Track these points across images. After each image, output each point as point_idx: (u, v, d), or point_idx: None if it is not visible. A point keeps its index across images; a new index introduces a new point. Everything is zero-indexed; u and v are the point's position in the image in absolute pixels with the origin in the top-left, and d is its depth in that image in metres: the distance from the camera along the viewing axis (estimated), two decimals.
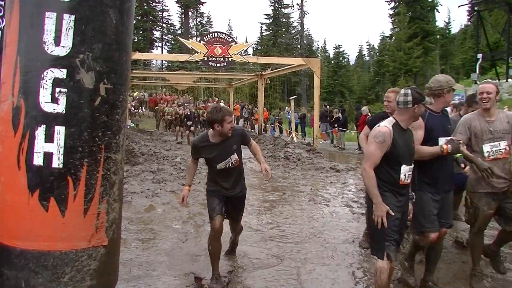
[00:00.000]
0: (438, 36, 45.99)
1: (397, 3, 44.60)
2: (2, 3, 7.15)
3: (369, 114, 15.97)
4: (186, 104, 22.89)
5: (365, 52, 72.56)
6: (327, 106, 24.46)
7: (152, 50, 52.48)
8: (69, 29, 2.30)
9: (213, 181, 4.02)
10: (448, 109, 11.96)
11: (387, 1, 46.43)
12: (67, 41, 2.30)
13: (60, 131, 2.30)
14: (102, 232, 2.50)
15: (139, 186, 7.81)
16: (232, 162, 3.83)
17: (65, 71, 2.30)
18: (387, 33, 51.01)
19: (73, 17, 2.31)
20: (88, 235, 2.43)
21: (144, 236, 5.04)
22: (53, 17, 2.28)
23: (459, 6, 54.19)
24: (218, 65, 15.57)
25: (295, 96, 23.97)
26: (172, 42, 55.11)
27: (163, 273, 3.95)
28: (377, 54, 58.05)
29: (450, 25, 54.33)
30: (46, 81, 2.28)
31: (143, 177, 8.68)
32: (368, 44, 73.30)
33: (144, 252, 4.49)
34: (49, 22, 2.28)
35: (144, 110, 29.74)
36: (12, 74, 2.33)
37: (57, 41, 2.28)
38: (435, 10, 44.73)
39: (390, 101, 4.57)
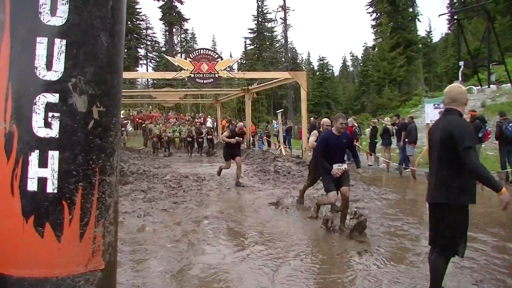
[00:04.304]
0: (420, 45, 46.86)
1: (379, 14, 45.39)
2: None
3: (355, 125, 16.11)
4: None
5: (349, 63, 73.62)
6: (316, 118, 24.61)
7: (137, 68, 52.51)
8: (60, 53, 2.30)
9: None
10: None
11: (369, 12, 47.26)
12: (59, 65, 2.29)
13: (54, 156, 2.29)
14: (99, 255, 2.48)
15: (131, 205, 7.76)
16: None
17: (57, 95, 2.29)
18: (370, 43, 51.94)
19: (64, 41, 2.31)
20: (85, 259, 2.40)
21: (139, 257, 4.99)
22: (45, 42, 2.28)
23: (439, 15, 55.62)
24: (205, 81, 15.65)
25: (282, 110, 24.06)
26: (157, 59, 55.26)
27: None
28: (361, 64, 58.96)
29: (431, 34, 55.48)
30: (38, 106, 2.27)
31: (134, 197, 8.63)
32: (351, 55, 74.19)
33: (140, 273, 4.44)
34: (41, 47, 2.28)
35: (130, 129, 29.54)
36: (4, 99, 2.31)
37: (49, 66, 2.28)
38: (416, 20, 45.63)
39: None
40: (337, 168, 5.99)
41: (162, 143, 21.18)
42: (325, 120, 8.10)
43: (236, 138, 10.55)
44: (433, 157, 3.55)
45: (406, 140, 12.36)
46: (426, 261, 4.60)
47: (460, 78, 26.70)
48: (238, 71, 42.42)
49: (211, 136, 22.17)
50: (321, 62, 59.75)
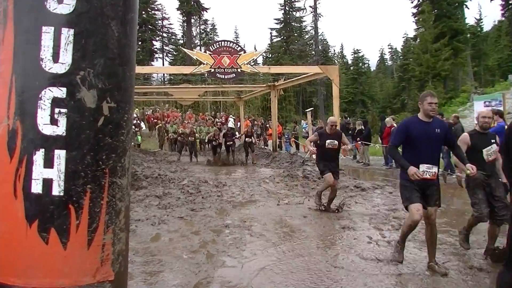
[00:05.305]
0: (468, 35, 45.67)
1: (421, 0, 44.65)
2: None
3: (394, 125, 15.88)
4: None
5: (387, 56, 72.72)
6: (348, 117, 24.41)
7: (152, 63, 53.15)
8: (68, 44, 2.34)
9: None
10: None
11: None
12: (66, 57, 2.34)
13: (60, 155, 2.33)
14: (108, 265, 2.51)
15: (144, 212, 7.85)
16: None
17: (64, 89, 2.33)
18: (411, 34, 51.04)
19: (72, 31, 2.35)
20: (92, 269, 2.44)
21: (152, 268, 5.03)
22: (51, 32, 2.32)
23: (491, 0, 54.23)
24: (226, 76, 15.70)
25: (312, 108, 23.97)
26: (174, 53, 55.82)
27: None
28: (401, 58, 58.16)
29: (481, 22, 54.13)
30: (44, 101, 2.31)
31: (147, 203, 8.73)
32: (390, 47, 73.26)
33: (153, 287, 4.49)
34: (46, 37, 2.32)
35: (143, 128, 29.80)
36: (7, 94, 2.36)
37: (56, 58, 2.32)
38: (464, 6, 44.62)
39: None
40: (423, 171, 4.71)
41: (181, 145, 20.14)
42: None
43: (328, 141, 7.97)
44: None
45: None
46: (473, 277, 4.51)
47: None
48: (263, 65, 42.49)
49: (250, 139, 17.92)
50: (355, 55, 59.35)
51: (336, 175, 8.10)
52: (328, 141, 7.94)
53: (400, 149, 5.06)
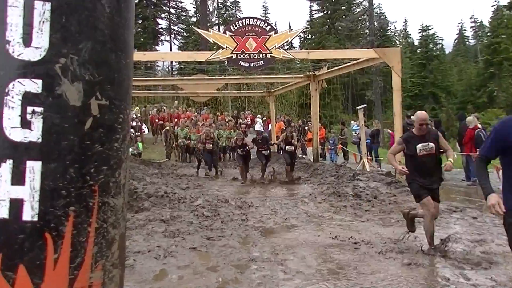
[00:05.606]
0: None
1: None
2: None
3: (479, 126, 15.58)
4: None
5: (469, 33, 71.82)
6: (411, 116, 24.03)
7: (157, 47, 53.71)
8: (43, 22, 2.33)
9: None
10: None
11: None
12: (41, 39, 2.32)
13: (34, 168, 2.31)
14: None
15: (146, 242, 7.88)
16: None
17: (40, 82, 2.31)
18: (504, 1, 50.12)
19: (48, 5, 2.33)
20: None
21: None
22: (20, 6, 2.31)
23: None
24: (252, 64, 15.70)
25: (365, 105, 23.75)
26: (185, 34, 56.35)
27: None
28: (489, 34, 57.15)
29: None
30: (12, 97, 2.30)
31: (150, 229, 8.76)
32: (473, 20, 72.42)
33: None
34: (14, 12, 2.31)
35: (146, 132, 30.00)
36: None
37: (27, 41, 2.31)
38: None
39: None
40: None
41: (200, 154, 19.54)
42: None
43: (420, 146, 7.13)
44: None
45: None
46: None
47: None
48: (300, 49, 42.48)
49: (291, 148, 17.27)
50: (424, 33, 58.72)
51: (437, 194, 7.30)
52: (419, 145, 7.10)
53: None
